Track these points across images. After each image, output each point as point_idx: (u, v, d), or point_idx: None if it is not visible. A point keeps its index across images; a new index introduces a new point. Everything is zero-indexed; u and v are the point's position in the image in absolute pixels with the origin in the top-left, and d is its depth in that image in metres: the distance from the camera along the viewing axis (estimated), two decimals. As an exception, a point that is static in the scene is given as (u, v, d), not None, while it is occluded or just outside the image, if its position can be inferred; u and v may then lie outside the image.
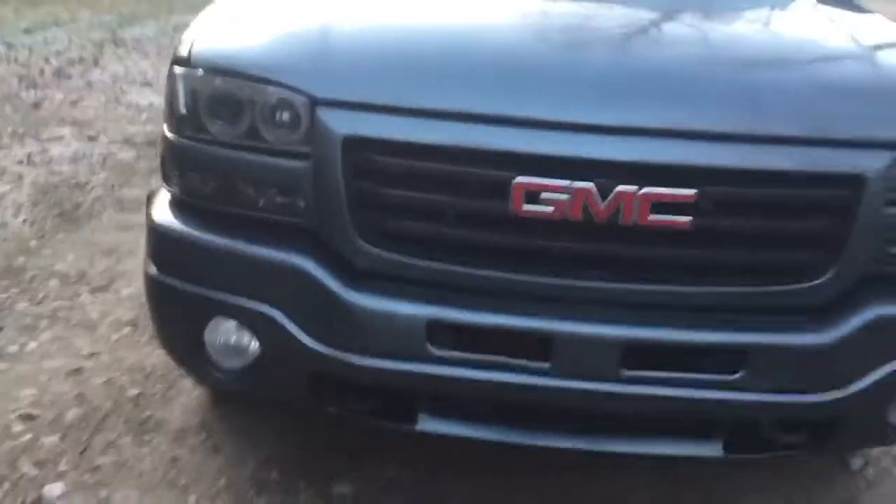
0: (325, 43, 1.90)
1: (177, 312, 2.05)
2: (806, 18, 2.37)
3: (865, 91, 1.89)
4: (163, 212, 2.03)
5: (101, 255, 3.79)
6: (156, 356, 2.96)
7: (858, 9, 2.57)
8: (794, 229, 1.81)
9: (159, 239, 2.02)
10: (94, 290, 3.45)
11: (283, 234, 1.89)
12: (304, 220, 1.87)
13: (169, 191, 2.06)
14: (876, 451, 2.66)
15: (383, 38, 1.96)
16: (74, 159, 5.08)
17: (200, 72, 1.92)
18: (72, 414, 2.62)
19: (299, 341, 1.87)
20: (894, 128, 1.79)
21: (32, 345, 3.01)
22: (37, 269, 3.60)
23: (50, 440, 2.50)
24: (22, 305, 3.28)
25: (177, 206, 2.03)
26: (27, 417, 2.59)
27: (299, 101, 1.81)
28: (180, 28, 10.81)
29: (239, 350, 1.98)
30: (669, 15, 2.22)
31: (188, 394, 2.76)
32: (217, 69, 1.90)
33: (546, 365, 1.79)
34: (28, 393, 2.72)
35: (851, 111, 1.83)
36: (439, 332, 1.81)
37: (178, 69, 1.97)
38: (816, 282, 1.81)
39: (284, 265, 1.86)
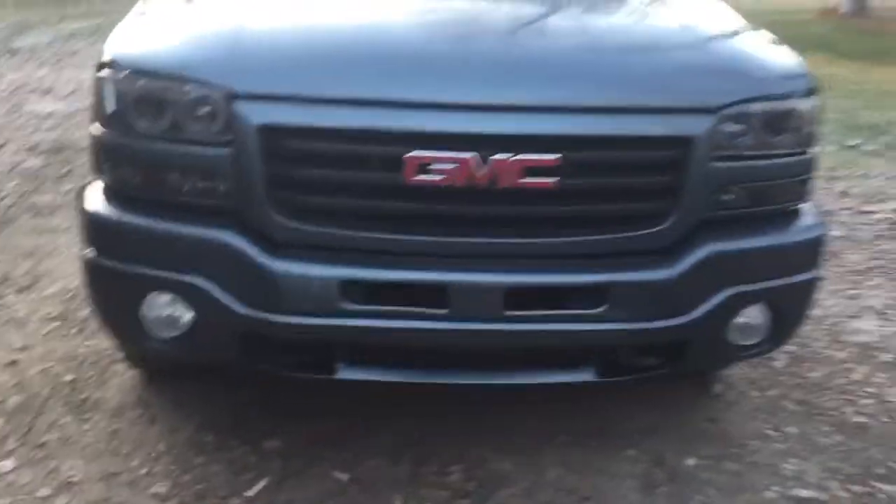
0: (237, 43, 2.17)
1: (115, 291, 2.29)
2: (654, 9, 2.77)
3: (693, 69, 2.29)
4: (97, 201, 2.26)
5: (22, 258, 3.94)
6: (86, 346, 3.17)
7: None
8: (640, 184, 2.19)
9: (95, 225, 2.26)
10: (19, 291, 3.62)
11: (208, 214, 2.15)
12: (226, 200, 2.14)
13: (101, 182, 2.29)
14: (734, 378, 3.10)
15: (289, 37, 2.25)
16: (-18, 169, 5.16)
17: (126, 73, 2.16)
18: (13, 401, 2.81)
19: (229, 307, 2.14)
20: (715, 97, 2.18)
21: (-35, 343, 3.17)
22: (-41, 274, 3.73)
23: (-5, 424, 2.69)
24: (-51, 308, 3.42)
25: (109, 195, 2.26)
26: (-30, 406, 2.77)
27: (217, 95, 2.08)
28: (76, 35, 10.76)
29: (174, 320, 2.23)
30: (536, 10, 2.58)
31: (122, 376, 2.98)
32: (141, 71, 2.15)
33: (443, 311, 2.12)
34: (-33, 385, 2.89)
35: (681, 85, 2.22)
36: (350, 289, 2.11)
37: (104, 72, 2.21)
38: (660, 227, 2.19)
39: (211, 241, 2.13)
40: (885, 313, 3.82)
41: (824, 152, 6.63)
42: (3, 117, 6.41)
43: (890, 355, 3.40)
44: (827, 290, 4.02)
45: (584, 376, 2.32)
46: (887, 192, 5.70)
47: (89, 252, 2.27)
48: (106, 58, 2.23)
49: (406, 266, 2.13)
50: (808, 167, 2.38)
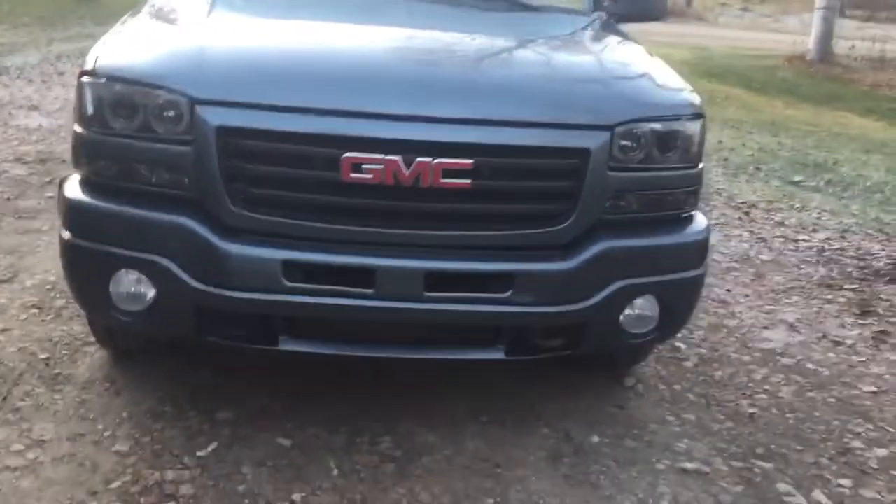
0: (200, 56, 2.54)
1: (88, 268, 2.62)
2: (566, 44, 3.17)
3: (593, 92, 2.69)
4: (74, 189, 2.60)
5: (4, 255, 4.25)
6: (61, 331, 3.48)
7: (623, 37, 3.37)
8: (544, 188, 2.56)
9: (72, 210, 2.59)
10: (0, 282, 3.92)
11: (171, 202, 2.50)
12: (187, 191, 2.49)
13: (79, 174, 2.63)
14: (646, 374, 3.45)
15: (243, 52, 2.63)
16: (-31, 176, 5.48)
17: (104, 80, 2.52)
18: (-9, 373, 3.13)
19: (186, 283, 2.48)
20: (610, 116, 2.56)
21: (-52, 325, 3.48)
22: (-55, 267, 4.04)
23: (-26, 393, 3.00)
24: (-65, 296, 3.72)
25: (86, 184, 2.60)
26: (-48, 377, 3.08)
27: (181, 101, 2.43)
28: (62, 56, 11.08)
29: (138, 295, 2.57)
30: (459, 37, 2.98)
31: (92, 356, 3.29)
32: (117, 78, 2.50)
33: (370, 291, 2.47)
34: (-51, 360, 3.20)
35: (581, 104, 2.61)
36: (291, 269, 2.46)
37: (85, 79, 2.56)
38: (562, 226, 2.56)
39: (173, 224, 2.47)
40: (795, 326, 4.19)
41: (770, 187, 7.09)
42: (-9, 130, 6.75)
43: (790, 360, 3.78)
44: (746, 304, 4.42)
45: (495, 355, 2.67)
46: (820, 223, 6.12)
47: (67, 234, 2.61)
48: (88, 66, 2.59)
49: (340, 251, 2.48)
50: (694, 180, 2.76)
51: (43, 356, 3.27)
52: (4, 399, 2.96)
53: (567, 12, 3.69)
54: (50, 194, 5.24)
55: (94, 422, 2.88)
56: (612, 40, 3.25)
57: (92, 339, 3.32)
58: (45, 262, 4.15)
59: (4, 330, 3.45)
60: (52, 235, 4.52)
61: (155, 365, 3.23)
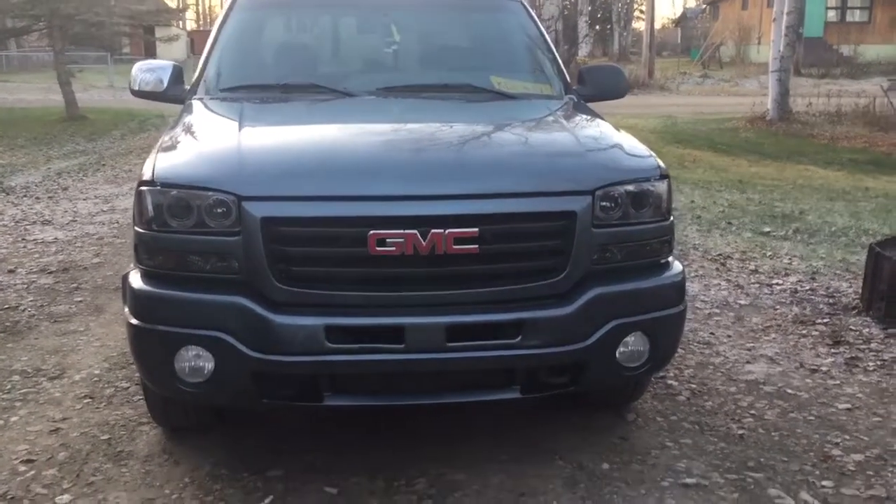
0: (242, 161, 3.01)
1: (154, 348, 3.02)
2: (548, 124, 3.69)
3: (574, 163, 3.17)
4: (138, 281, 3.03)
5: (49, 355, 4.63)
6: (115, 415, 3.85)
7: (593, 115, 3.89)
8: (540, 247, 3.01)
9: (139, 299, 3.01)
10: (51, 379, 4.30)
11: (224, 285, 2.92)
12: (237, 274, 2.92)
13: (140, 268, 3.06)
14: (644, 408, 3.86)
15: (278, 154, 3.11)
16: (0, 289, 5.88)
17: (161, 187, 2.97)
18: (61, 455, 3.48)
19: (242, 352, 2.88)
20: (590, 182, 3.03)
21: (14, 418, 3.83)
22: (-3, 369, 4.41)
23: (50, 472, 3.35)
24: (-5, 395, 4.09)
25: (147, 276, 3.03)
26: (27, 461, 3.43)
27: (230, 199, 2.89)
28: (62, 173, 11.61)
29: (199, 368, 2.97)
30: (458, 127, 3.48)
31: (148, 434, 3.66)
32: (173, 185, 2.95)
33: (401, 346, 2.88)
34: (22, 448, 3.55)
35: (565, 174, 3.08)
36: (332, 332, 2.87)
37: (144, 187, 3.00)
38: (558, 278, 3.00)
39: (228, 303, 2.89)
40: (775, 359, 4.62)
41: (742, 238, 7.56)
42: (11, 246, 7.16)
43: (772, 387, 4.19)
44: (729, 344, 4.85)
45: (512, 394, 3.07)
46: (791, 268, 6.60)
47: (134, 320, 3.02)
48: (146, 177, 3.04)
49: (372, 314, 2.91)
50: (667, 231, 3.22)
51: (104, 437, 3.64)
52: (78, 476, 3.32)
53: (542, 97, 4.21)
54: (79, 299, 5.67)
55: (160, 488, 3.24)
56: (584, 118, 3.77)
57: (145, 419, 3.71)
58: (87, 359, 4.54)
59: (65, 419, 3.82)
60: (88, 336, 4.94)
61: (205, 437, 3.60)
